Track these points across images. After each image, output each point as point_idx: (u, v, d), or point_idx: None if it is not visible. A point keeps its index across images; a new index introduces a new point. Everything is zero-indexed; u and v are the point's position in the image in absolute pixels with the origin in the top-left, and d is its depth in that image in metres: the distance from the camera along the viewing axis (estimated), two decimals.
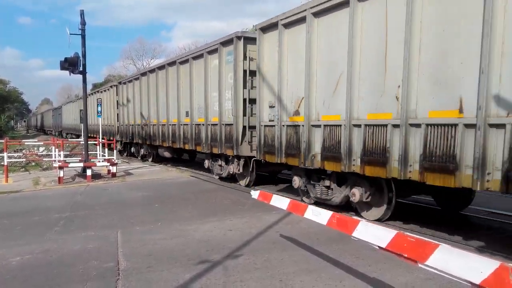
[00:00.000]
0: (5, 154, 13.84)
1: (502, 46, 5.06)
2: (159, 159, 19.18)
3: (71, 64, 13.11)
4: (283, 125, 9.11)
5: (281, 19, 9.00)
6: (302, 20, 8.43)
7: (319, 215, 4.16)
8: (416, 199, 9.27)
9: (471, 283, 2.50)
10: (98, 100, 19.83)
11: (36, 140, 30.28)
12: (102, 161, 15.31)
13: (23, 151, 23.56)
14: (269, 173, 11.99)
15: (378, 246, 3.29)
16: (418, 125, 6.10)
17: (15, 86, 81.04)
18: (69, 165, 13.94)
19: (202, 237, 6.57)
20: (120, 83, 22.72)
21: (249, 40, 10.79)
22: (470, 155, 5.39)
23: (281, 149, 9.18)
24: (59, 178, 12.80)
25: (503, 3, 5.05)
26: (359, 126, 7.14)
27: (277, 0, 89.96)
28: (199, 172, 15.21)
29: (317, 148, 8.19)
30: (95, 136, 24.58)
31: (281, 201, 5.06)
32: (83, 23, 13.49)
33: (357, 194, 7.50)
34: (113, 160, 14.79)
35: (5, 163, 13.65)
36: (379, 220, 7.36)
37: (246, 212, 8.34)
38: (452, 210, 8.35)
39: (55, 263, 5.51)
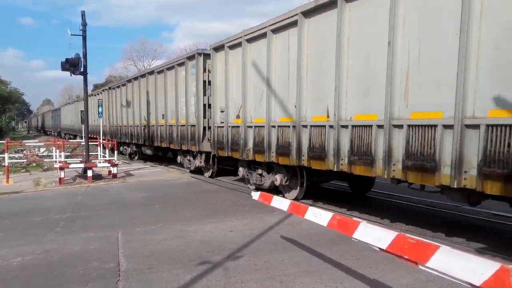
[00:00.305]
0: (6, 155, 13.87)
1: (347, 73, 7.35)
2: (143, 157, 21.05)
3: (72, 65, 13.13)
4: (229, 126, 11.41)
5: (226, 42, 11.26)
6: (239, 44, 10.62)
7: (320, 217, 4.16)
8: (336, 184, 11.96)
9: (471, 285, 2.49)
10: (99, 101, 19.91)
11: (37, 140, 30.32)
12: (103, 162, 15.32)
13: (24, 151, 23.58)
14: (233, 166, 13.15)
15: (379, 248, 3.29)
16: (305, 126, 8.50)
17: (16, 87, 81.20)
18: (70, 166, 13.96)
19: (203, 238, 6.58)
20: (110, 88, 24.81)
21: (208, 56, 12.70)
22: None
23: (228, 145, 11.48)
24: (60, 179, 12.82)
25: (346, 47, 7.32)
26: (274, 127, 9.43)
27: (277, 1, 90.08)
28: (174, 167, 16.94)
29: (250, 144, 10.43)
30: (93, 136, 25.39)
31: (281, 203, 5.06)
32: (84, 24, 13.50)
33: (278, 179, 9.73)
34: (113, 161, 14.81)
35: (6, 164, 13.67)
36: (296, 199, 9.35)
37: (247, 213, 8.35)
38: (359, 192, 10.66)
39: (55, 263, 5.52)
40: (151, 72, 17.41)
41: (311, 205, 4.50)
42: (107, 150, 17.75)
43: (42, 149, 25.01)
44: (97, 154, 19.19)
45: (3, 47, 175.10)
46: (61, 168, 12.95)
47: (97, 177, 13.94)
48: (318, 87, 8.12)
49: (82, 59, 13.30)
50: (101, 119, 19.38)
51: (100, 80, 75.95)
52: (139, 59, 68.73)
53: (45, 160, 19.27)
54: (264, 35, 9.58)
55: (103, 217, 8.27)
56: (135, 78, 19.62)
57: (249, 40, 10.28)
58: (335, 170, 7.54)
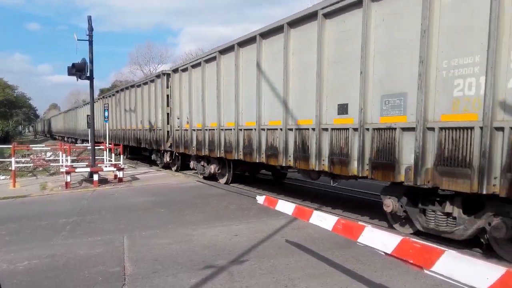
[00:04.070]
0: (13, 159, 13.95)
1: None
2: (130, 157, 25.03)
3: (79, 70, 13.20)
4: (183, 130, 15.20)
5: (180, 67, 15.28)
6: (186, 69, 14.60)
7: (325, 221, 4.15)
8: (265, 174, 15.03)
9: None
10: (105, 105, 20.04)
11: (44, 145, 30.50)
12: (109, 166, 15.38)
13: (31, 156, 23.75)
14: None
15: (384, 252, 3.28)
16: (223, 129, 12.24)
17: (23, 92, 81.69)
18: (76, 170, 14.01)
19: (208, 242, 6.58)
20: (103, 97, 29.25)
21: (170, 75, 16.47)
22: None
23: (182, 144, 15.28)
24: (66, 183, 12.89)
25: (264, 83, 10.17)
26: (207, 130, 13.11)
27: (281, 5, 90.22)
28: (146, 164, 19.15)
29: (194, 142, 14.18)
30: (86, 139, 29.01)
31: (286, 207, 5.06)
32: (91, 29, 13.58)
33: (213, 168, 13.50)
34: (119, 165, 14.87)
35: (13, 168, 13.76)
36: (226, 183, 13.31)
37: (252, 217, 8.34)
38: (278, 179, 14.49)
39: (61, 267, 5.54)
40: (132, 86, 21.96)
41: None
42: (113, 154, 17.85)
43: (48, 154, 25.18)
44: (103, 158, 19.30)
45: (10, 52, 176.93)
46: (67, 172, 13.01)
47: (103, 181, 13.99)
48: (249, 101, 10.69)
49: (88, 64, 13.37)
50: (107, 123, 19.48)
51: (106, 85, 76.49)
52: (145, 63, 69.06)
53: (51, 164, 19.40)
54: (199, 64, 13.45)
55: (108, 221, 8.30)
56: (122, 90, 23.91)
57: (193, 66, 14.12)
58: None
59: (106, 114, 19.11)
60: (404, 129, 6.36)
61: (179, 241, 6.68)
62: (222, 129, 12.07)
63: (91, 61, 13.53)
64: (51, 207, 9.93)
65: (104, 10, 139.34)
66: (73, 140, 43.02)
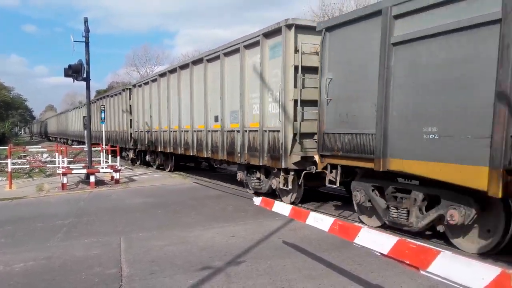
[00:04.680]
0: (9, 161, 13.90)
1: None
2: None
3: (75, 71, 13.19)
4: (140, 131, 19.83)
5: (137, 83, 20.78)
6: (141, 85, 19.74)
7: (321, 222, 4.16)
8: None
9: None
10: (102, 107, 20.00)
11: (40, 146, 30.40)
12: (105, 168, 15.34)
13: (27, 157, 23.66)
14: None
15: (380, 253, 3.29)
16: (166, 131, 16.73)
17: (19, 93, 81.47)
18: (73, 172, 13.97)
19: (204, 244, 6.58)
20: (92, 102, 31.33)
21: (134, 87, 20.93)
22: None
23: (144, 142, 19.40)
24: (63, 184, 12.86)
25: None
26: (157, 131, 17.34)
27: (279, 7, 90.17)
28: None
29: (146, 141, 18.73)
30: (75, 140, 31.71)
31: (283, 208, 5.07)
32: (87, 30, 13.57)
33: (158, 160, 18.58)
34: (116, 167, 14.84)
35: (9, 170, 13.71)
36: (170, 171, 17.65)
37: (249, 219, 8.35)
38: (214, 169, 18.42)
39: (58, 269, 5.53)
40: (107, 96, 26.77)
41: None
42: (109, 156, 17.80)
43: (45, 155, 25.09)
44: (100, 160, 19.25)
45: (6, 54, 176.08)
46: (64, 174, 12.97)
47: (99, 182, 13.96)
48: (186, 110, 14.45)
49: (85, 65, 13.36)
50: (103, 125, 19.42)
51: (102, 86, 76.25)
52: (142, 64, 68.84)
53: (48, 165, 19.34)
54: (147, 83, 18.58)
55: (105, 223, 8.29)
56: (106, 97, 27.49)
57: (145, 84, 19.03)
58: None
59: (103, 115, 19.01)
60: (238, 131, 10.98)
61: (176, 243, 6.68)
62: (171, 131, 15.75)
63: (88, 63, 13.52)
64: (48, 209, 9.90)
65: (101, 12, 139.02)
66: (64, 141, 47.07)
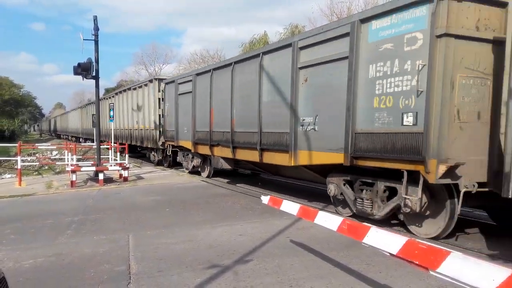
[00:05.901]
0: (18, 158, 14.03)
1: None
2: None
3: (84, 69, 13.25)
4: (121, 129, 23.99)
5: (115, 92, 26.22)
6: (121, 92, 24.42)
7: (330, 221, 4.14)
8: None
9: None
10: (111, 104, 20.10)
11: (49, 144, 30.66)
12: (114, 165, 15.43)
13: (37, 154, 23.90)
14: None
15: (389, 253, 3.27)
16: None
17: (28, 91, 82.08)
18: (82, 169, 14.08)
19: (212, 242, 6.59)
20: (91, 102, 34.31)
21: (116, 93, 25.14)
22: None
23: (129, 139, 22.71)
24: (72, 182, 12.95)
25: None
26: (137, 130, 21.22)
27: (284, 7, 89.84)
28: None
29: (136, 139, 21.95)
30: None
31: (291, 207, 5.05)
32: (96, 28, 13.63)
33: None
34: (125, 165, 14.92)
35: (19, 167, 13.84)
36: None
37: (257, 217, 8.35)
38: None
39: (67, 266, 5.57)
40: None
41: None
42: (118, 154, 17.92)
43: (54, 152, 25.32)
44: (109, 157, 19.37)
45: (16, 52, 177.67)
46: (73, 171, 13.07)
47: (108, 180, 14.04)
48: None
49: (94, 63, 13.42)
50: (112, 123, 19.55)
51: (111, 84, 76.62)
52: (150, 63, 69.03)
53: (57, 163, 19.50)
54: (125, 90, 23.33)
55: (113, 220, 8.34)
56: (111, 96, 28.46)
57: (125, 90, 23.56)
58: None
59: (112, 113, 19.13)
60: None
61: (184, 241, 6.70)
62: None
63: (97, 61, 13.58)
64: (57, 206, 9.98)
65: (107, 11, 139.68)
66: (67, 137, 53.19)
